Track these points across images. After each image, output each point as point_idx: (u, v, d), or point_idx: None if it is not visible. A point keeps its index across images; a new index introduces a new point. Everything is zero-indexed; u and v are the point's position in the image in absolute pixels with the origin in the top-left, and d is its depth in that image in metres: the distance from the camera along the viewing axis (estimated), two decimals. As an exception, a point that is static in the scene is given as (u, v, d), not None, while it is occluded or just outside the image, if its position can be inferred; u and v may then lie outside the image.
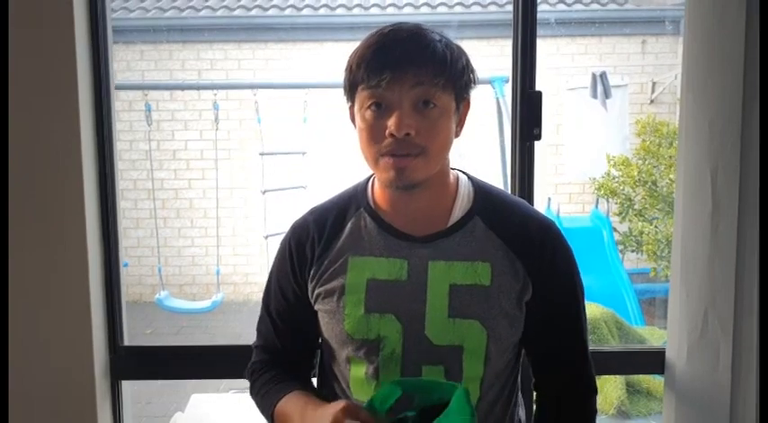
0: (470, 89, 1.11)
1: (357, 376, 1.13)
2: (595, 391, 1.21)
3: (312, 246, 1.16)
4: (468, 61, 1.10)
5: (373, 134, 1.06)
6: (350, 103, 1.12)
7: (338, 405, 1.00)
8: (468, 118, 1.14)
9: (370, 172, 1.20)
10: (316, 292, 1.15)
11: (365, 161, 1.11)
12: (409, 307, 1.10)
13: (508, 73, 1.69)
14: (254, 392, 1.23)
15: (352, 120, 1.12)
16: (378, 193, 1.17)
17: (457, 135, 1.12)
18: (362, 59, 1.05)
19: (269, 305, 1.23)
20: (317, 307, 1.16)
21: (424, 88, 1.03)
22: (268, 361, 1.23)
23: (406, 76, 1.03)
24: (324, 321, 1.15)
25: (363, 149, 1.09)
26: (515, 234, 1.13)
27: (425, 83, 1.03)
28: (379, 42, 1.06)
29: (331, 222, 1.17)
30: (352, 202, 1.18)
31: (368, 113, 1.06)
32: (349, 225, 1.16)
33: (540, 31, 1.65)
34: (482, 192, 1.17)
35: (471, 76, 1.10)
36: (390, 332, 1.10)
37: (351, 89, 1.09)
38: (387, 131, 1.04)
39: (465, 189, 1.17)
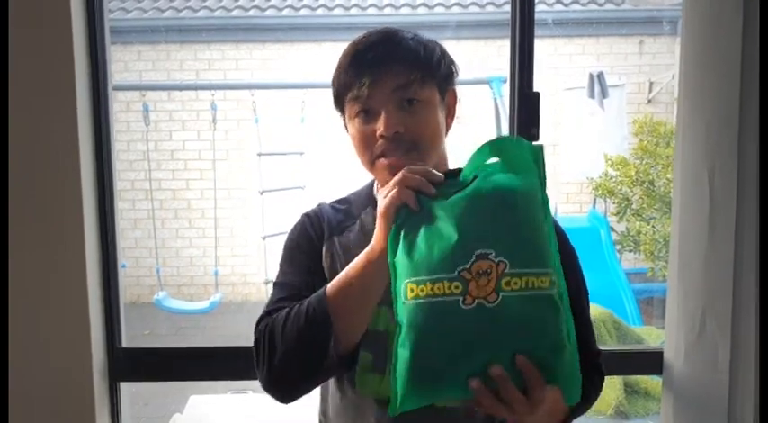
0: (452, 80, 1.14)
1: (363, 366, 1.11)
2: (602, 374, 1.20)
3: (324, 225, 1.19)
4: (443, 53, 1.12)
5: (365, 140, 1.10)
6: (341, 115, 1.15)
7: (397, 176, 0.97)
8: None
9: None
10: (328, 274, 1.15)
11: (363, 168, 1.14)
12: None
13: (506, 73, 1.70)
14: (279, 327, 1.05)
15: (347, 129, 1.16)
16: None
17: (448, 127, 1.15)
18: (341, 70, 1.10)
19: (285, 270, 1.18)
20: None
21: (404, 88, 1.07)
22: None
23: (384, 79, 1.06)
24: None
25: (359, 156, 1.13)
26: None
27: (404, 82, 1.06)
28: (352, 51, 1.10)
29: (339, 216, 1.20)
30: (360, 201, 1.21)
31: (357, 122, 1.10)
32: (358, 222, 1.18)
33: (537, 32, 1.65)
34: None
35: (451, 67, 1.13)
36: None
37: (338, 102, 1.14)
38: (377, 134, 1.07)
39: None
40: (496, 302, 0.87)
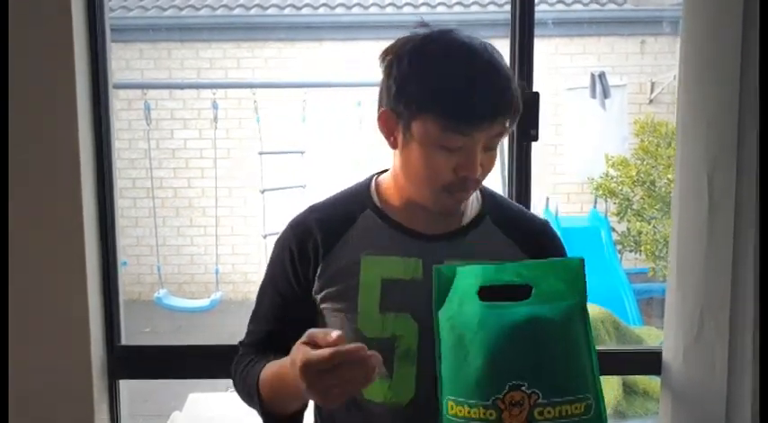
0: None
1: None
2: None
3: (315, 245, 1.13)
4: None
5: (438, 171, 1.04)
6: (390, 108, 1.06)
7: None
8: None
9: (371, 171, 1.20)
10: (324, 291, 1.13)
11: (412, 184, 1.09)
12: (426, 306, 1.07)
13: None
14: (236, 381, 1.19)
15: (384, 123, 1.08)
16: (390, 193, 1.15)
17: None
18: (450, 94, 0.99)
19: (264, 304, 1.20)
20: (323, 306, 1.14)
21: (498, 137, 1.05)
22: (252, 352, 1.19)
23: (490, 128, 1.02)
24: (331, 322, 1.13)
25: (419, 179, 1.07)
26: (522, 233, 1.16)
27: (501, 132, 1.04)
28: (472, 81, 1.00)
29: (335, 222, 1.14)
30: (356, 203, 1.16)
31: (435, 151, 1.03)
32: (357, 225, 1.14)
33: (538, 31, 1.65)
34: (487, 193, 1.20)
35: None
36: (406, 331, 1.09)
37: (417, 110, 1.02)
38: (460, 173, 1.04)
39: (472, 196, 1.17)
40: None
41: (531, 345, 0.96)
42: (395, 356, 1.09)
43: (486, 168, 1.07)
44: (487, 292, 1.00)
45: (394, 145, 1.09)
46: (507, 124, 1.04)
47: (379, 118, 1.08)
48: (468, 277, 1.01)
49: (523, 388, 0.93)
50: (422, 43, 1.04)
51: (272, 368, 1.09)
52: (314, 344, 0.93)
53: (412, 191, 1.11)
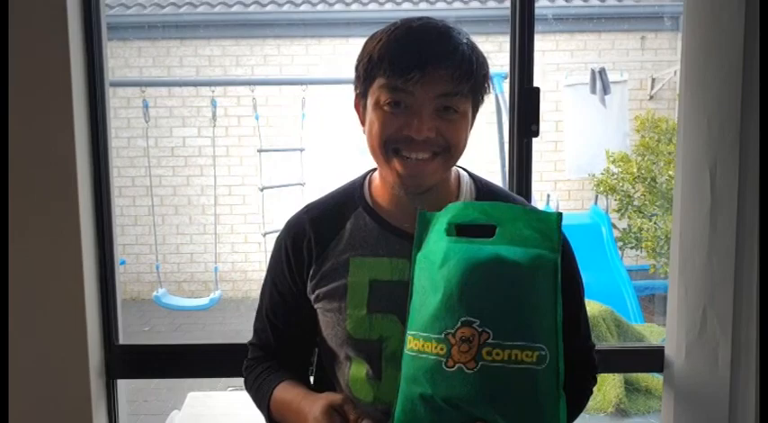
0: (486, 96, 1.10)
1: (357, 376, 1.11)
2: (596, 380, 1.21)
3: (309, 245, 1.14)
4: (486, 67, 1.08)
5: (388, 132, 1.04)
6: (357, 91, 1.09)
7: (327, 398, 1.04)
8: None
9: (367, 168, 1.19)
10: (316, 292, 1.14)
11: (372, 156, 1.09)
12: None
13: (507, 69, 1.68)
14: (249, 386, 1.23)
15: (357, 107, 1.10)
16: (378, 191, 1.15)
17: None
18: (387, 53, 1.02)
19: (265, 303, 1.21)
20: (317, 306, 1.14)
21: (448, 96, 1.02)
22: (262, 357, 1.23)
23: (432, 81, 1.00)
24: (324, 320, 1.14)
25: (373, 145, 1.07)
26: None
27: (451, 91, 1.02)
28: (407, 38, 1.03)
29: (329, 221, 1.15)
30: (349, 201, 1.16)
31: (385, 111, 1.04)
32: (348, 225, 1.14)
33: (539, 27, 1.64)
34: (485, 189, 1.17)
35: (488, 83, 1.09)
36: (392, 333, 1.08)
37: (366, 79, 1.05)
38: (404, 132, 1.02)
39: (466, 187, 1.16)
40: (475, 370, 0.92)
41: (489, 283, 0.95)
42: (383, 358, 1.09)
43: (447, 134, 1.04)
44: (462, 232, 1.01)
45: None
46: (461, 87, 1.02)
47: (354, 105, 1.11)
48: (443, 217, 1.03)
49: (475, 325, 0.93)
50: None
51: (285, 395, 1.13)
52: (343, 415, 1.00)
53: (383, 176, 1.11)
